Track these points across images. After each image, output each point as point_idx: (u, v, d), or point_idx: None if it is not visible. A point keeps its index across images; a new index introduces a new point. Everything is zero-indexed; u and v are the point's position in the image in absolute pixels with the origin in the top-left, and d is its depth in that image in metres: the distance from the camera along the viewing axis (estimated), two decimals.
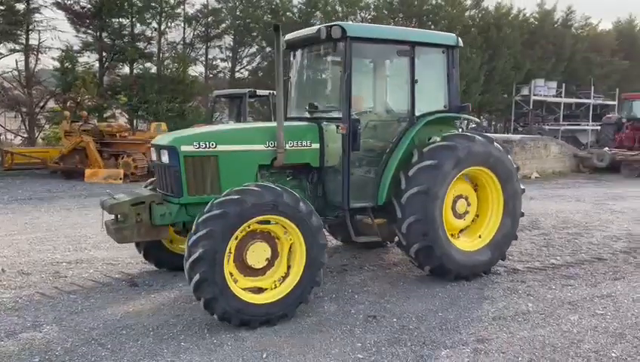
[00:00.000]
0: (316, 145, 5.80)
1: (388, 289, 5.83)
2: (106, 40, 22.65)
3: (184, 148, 5.17)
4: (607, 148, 19.66)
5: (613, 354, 4.30)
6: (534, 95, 33.27)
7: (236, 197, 4.59)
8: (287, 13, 26.49)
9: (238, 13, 25.71)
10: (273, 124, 5.73)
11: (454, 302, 5.47)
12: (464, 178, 6.23)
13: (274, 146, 5.49)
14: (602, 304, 5.44)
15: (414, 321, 4.94)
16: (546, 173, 17.89)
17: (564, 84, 35.09)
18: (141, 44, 23.46)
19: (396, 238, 6.02)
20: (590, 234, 8.65)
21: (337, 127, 5.65)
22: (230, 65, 26.93)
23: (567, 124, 34.99)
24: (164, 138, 5.60)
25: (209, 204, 4.65)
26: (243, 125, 6.13)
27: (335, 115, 5.99)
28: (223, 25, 25.80)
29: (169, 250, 6.27)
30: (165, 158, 5.26)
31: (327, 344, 4.46)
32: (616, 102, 37.96)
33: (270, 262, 4.91)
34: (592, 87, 36.51)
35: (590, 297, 5.64)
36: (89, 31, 22.32)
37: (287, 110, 6.65)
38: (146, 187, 6.14)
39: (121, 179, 15.34)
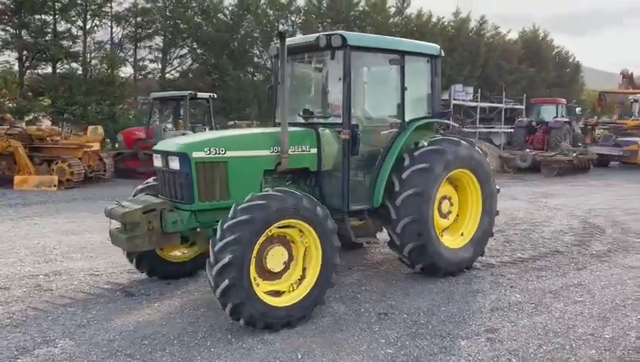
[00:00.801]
0: (314, 150, 5.96)
1: (385, 288, 6.09)
2: (26, 38, 21.26)
3: (195, 154, 5.15)
4: (528, 150, 21.22)
5: (606, 336, 4.82)
6: (454, 99, 35.14)
7: (262, 202, 4.66)
8: (219, 15, 26.16)
9: (167, 13, 25.05)
10: (275, 129, 5.81)
11: (450, 297, 5.83)
12: (447, 179, 6.64)
13: (278, 151, 5.58)
14: (578, 292, 6.02)
15: (423, 316, 5.24)
16: None
17: (479, 90, 37.31)
18: (65, 43, 22.26)
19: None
20: (540, 230, 9.42)
21: (339, 132, 5.84)
22: (160, 66, 26.15)
23: (483, 127, 37.27)
24: (171, 144, 5.53)
25: (232, 209, 4.68)
26: (247, 131, 6.14)
27: (330, 120, 6.19)
28: (154, 25, 25.03)
29: (162, 258, 6.16)
30: (175, 165, 5.20)
31: (352, 341, 4.64)
32: (523, 107, 40.95)
33: (286, 266, 5.02)
34: (504, 93, 39.17)
35: (565, 286, 6.22)
36: (8, 28, 20.86)
37: (276, 116, 6.77)
38: (137, 194, 5.99)
39: (55, 186, 14.54)
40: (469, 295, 5.90)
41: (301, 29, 29.83)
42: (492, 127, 38.23)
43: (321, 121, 6.20)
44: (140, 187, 6.15)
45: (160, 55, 25.99)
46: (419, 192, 6.00)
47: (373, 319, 5.15)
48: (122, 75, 23.15)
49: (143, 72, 26.01)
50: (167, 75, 26.09)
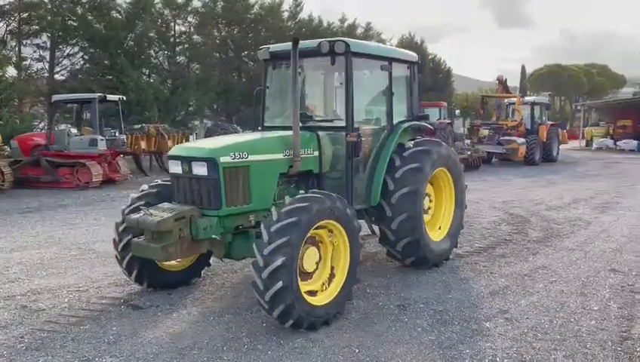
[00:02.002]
0: (316, 153, 6.12)
1: (385, 282, 6.42)
2: None
3: (223, 159, 5.10)
4: None
5: (594, 308, 5.58)
6: None
7: (305, 204, 4.77)
8: (113, 13, 24.78)
9: (55, 9, 23.20)
10: (284, 133, 5.88)
11: (448, 286, 6.32)
12: None
13: (290, 155, 5.68)
14: (547, 273, 6.82)
15: (437, 305, 5.65)
16: None
17: None
18: None
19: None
20: (477, 222, 10.34)
21: (346, 135, 6.06)
22: (48, 66, 24.10)
23: None
24: (194, 149, 5.40)
25: (274, 213, 4.73)
26: (258, 135, 6.05)
27: (325, 123, 6.42)
28: (41, 21, 23.01)
29: (161, 268, 5.96)
30: (201, 170, 5.10)
31: (393, 332, 4.92)
32: None
33: (317, 266, 5.16)
34: None
35: (534, 269, 7.00)
36: None
37: (264, 119, 6.83)
38: (134, 202, 5.74)
39: None
40: (462, 283, 6.43)
41: (197, 29, 29.27)
42: None
43: (323, 124, 6.37)
44: (136, 195, 5.88)
45: (46, 54, 23.97)
46: (413, 190, 6.42)
47: (396, 311, 5.47)
48: (7, 75, 21.02)
49: (28, 72, 23.79)
50: (57, 76, 24.15)
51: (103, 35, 23.87)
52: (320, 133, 6.19)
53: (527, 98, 27.82)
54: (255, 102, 6.81)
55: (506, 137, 23.72)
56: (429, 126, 7.46)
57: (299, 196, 4.95)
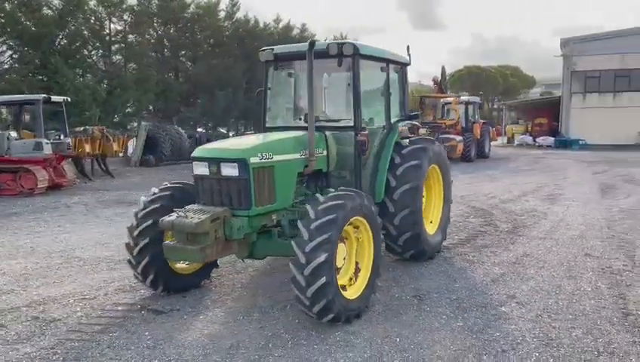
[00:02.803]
0: (325, 152, 6.28)
1: (392, 275, 6.66)
2: None
3: (252, 160, 5.15)
4: None
5: (588, 289, 6.11)
6: None
7: (340, 202, 4.92)
8: (44, 10, 23.47)
9: None
10: (299, 133, 5.99)
11: (450, 276, 6.67)
12: None
13: (305, 155, 5.81)
14: (532, 260, 7.35)
15: (449, 294, 5.97)
16: None
17: None
18: None
19: None
20: None
21: (356, 134, 6.24)
22: None
23: None
24: (222, 150, 5.39)
25: (311, 210, 4.85)
26: (277, 135, 6.05)
27: (332, 124, 6.58)
28: None
29: (175, 272, 5.91)
30: (232, 171, 5.12)
31: (422, 321, 5.17)
32: None
33: (344, 261, 5.32)
34: None
35: (519, 257, 7.51)
36: None
37: (266, 120, 6.89)
38: (147, 206, 5.66)
39: None
40: (462, 273, 6.81)
41: (132, 28, 28.33)
42: None
43: (329, 124, 6.52)
44: (148, 198, 5.79)
45: None
46: (414, 186, 6.72)
47: (415, 301, 5.73)
48: None
49: None
50: None
51: (33, 33, 22.57)
52: (327, 133, 6.36)
53: (462, 97, 29.15)
54: (256, 102, 6.86)
55: (445, 135, 24.79)
56: (418, 125, 7.79)
57: (332, 194, 5.09)
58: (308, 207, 4.95)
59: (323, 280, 4.64)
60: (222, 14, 34.28)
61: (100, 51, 26.76)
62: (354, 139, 6.29)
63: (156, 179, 19.24)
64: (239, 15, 35.54)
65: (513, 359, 4.35)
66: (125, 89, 25.50)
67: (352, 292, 5.23)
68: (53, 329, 5.05)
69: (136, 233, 5.62)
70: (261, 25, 37.24)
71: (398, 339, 4.74)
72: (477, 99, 29.52)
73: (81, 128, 19.36)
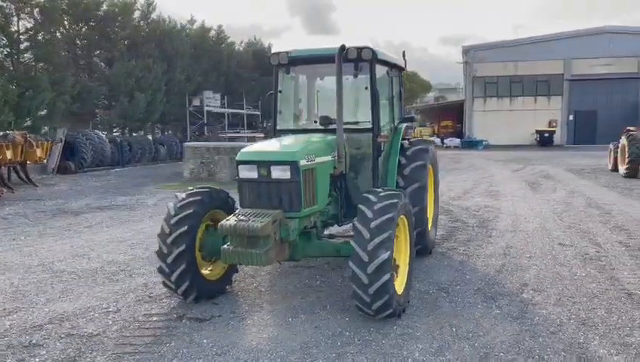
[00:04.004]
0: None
1: None
2: None
3: (302, 162, 5.20)
4: None
5: (582, 274, 6.76)
6: (206, 106, 35.91)
7: (395, 201, 5.10)
8: None
9: None
10: (327, 136, 6.08)
11: (457, 269, 7.06)
12: None
13: (335, 156, 5.93)
14: (519, 251, 7.95)
15: (468, 285, 6.34)
16: None
17: (226, 96, 38.95)
18: None
19: None
20: None
21: (376, 136, 6.44)
22: None
23: (232, 132, 39.05)
24: (270, 153, 5.35)
25: (368, 210, 4.98)
26: (309, 137, 6.01)
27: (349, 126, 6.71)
28: None
29: (205, 279, 5.79)
30: (284, 174, 5.14)
31: (464, 311, 5.46)
32: (259, 112, 44.27)
33: None
34: (244, 100, 41.73)
35: (505, 249, 8.09)
36: None
37: (277, 123, 6.90)
38: (180, 211, 5.51)
39: None
40: (465, 266, 7.23)
41: (42, 25, 26.43)
42: (238, 132, 40.38)
43: (347, 126, 6.64)
44: (179, 204, 5.61)
45: None
46: (422, 185, 7.06)
47: (444, 294, 6.04)
48: None
49: None
50: None
51: None
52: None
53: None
54: (266, 106, 6.85)
55: None
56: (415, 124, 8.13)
57: (383, 193, 5.25)
58: (363, 207, 5.08)
59: (386, 277, 4.80)
60: (137, 14, 32.96)
61: (8, 50, 24.67)
62: (372, 141, 6.50)
63: (85, 187, 18.27)
64: (154, 15, 34.42)
65: (566, 339, 4.77)
66: (38, 91, 23.74)
67: (397, 288, 5.42)
68: (99, 345, 4.76)
69: (170, 240, 5.44)
70: (178, 26, 36.32)
71: (454, 329, 5.01)
72: None
73: (0, 133, 17.81)
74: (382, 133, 6.50)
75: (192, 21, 39.90)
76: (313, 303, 5.76)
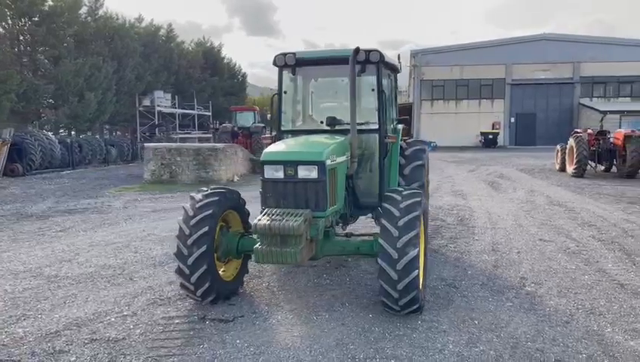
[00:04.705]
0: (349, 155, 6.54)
1: None
2: None
3: (328, 162, 5.27)
4: None
5: (572, 267, 7.18)
6: (157, 106, 35.05)
7: (418, 199, 5.26)
8: None
9: None
10: (339, 136, 6.16)
11: (456, 265, 7.29)
12: None
13: (349, 157, 6.03)
14: (506, 247, 8.31)
15: (472, 280, 6.59)
16: (241, 176, 20.35)
17: (176, 96, 38.15)
18: None
19: None
20: None
21: (385, 137, 6.58)
22: None
23: (183, 133, 38.31)
24: (297, 153, 5.37)
25: (394, 208, 5.11)
26: (325, 138, 6.01)
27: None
28: None
29: (223, 280, 5.76)
30: (312, 173, 5.19)
31: (479, 305, 5.68)
32: (210, 113, 43.70)
33: None
34: (195, 100, 41.02)
35: (492, 245, 8.43)
36: None
37: (281, 123, 6.91)
38: (199, 213, 5.45)
39: None
40: (462, 261, 7.49)
41: None
42: (189, 133, 39.67)
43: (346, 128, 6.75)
44: (197, 205, 5.54)
45: None
46: (421, 185, 7.25)
47: (452, 290, 6.24)
48: None
49: None
50: None
51: None
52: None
53: None
54: (271, 106, 6.86)
55: None
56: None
57: (406, 192, 5.40)
58: (388, 205, 5.21)
59: (415, 273, 4.94)
60: (85, 10, 31.79)
61: None
62: (378, 142, 6.63)
63: (39, 190, 17.66)
64: (101, 12, 33.31)
65: (581, 327, 5.07)
66: None
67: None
68: (129, 349, 4.65)
69: (190, 241, 5.36)
70: (127, 24, 35.30)
71: (475, 322, 5.22)
72: None
73: None
74: (390, 135, 6.65)
75: (139, 19, 38.95)
76: (330, 301, 5.83)
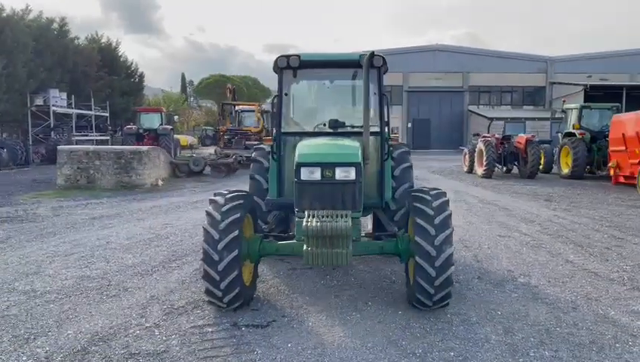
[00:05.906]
0: None
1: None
2: None
3: (361, 164, 5.34)
4: (195, 154, 22.81)
5: (556, 260, 7.85)
6: (53, 105, 32.39)
7: (446, 198, 5.49)
8: None
9: None
10: (339, 138, 6.23)
11: (458, 261, 7.64)
12: None
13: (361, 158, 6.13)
14: (484, 243, 8.87)
15: (467, 274, 6.96)
16: (164, 180, 19.49)
17: (73, 96, 35.51)
18: None
19: None
20: None
21: (386, 139, 6.73)
22: None
23: (80, 135, 35.73)
24: (333, 155, 5.36)
25: (425, 207, 5.29)
26: (342, 140, 5.97)
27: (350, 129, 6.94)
28: None
29: (247, 285, 5.62)
30: (349, 175, 5.25)
31: (481, 300, 6.06)
32: (108, 114, 41.32)
33: None
34: (92, 100, 38.52)
35: (465, 239, 8.97)
36: None
37: (283, 125, 6.83)
38: (227, 217, 5.29)
39: None
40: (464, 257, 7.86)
41: None
42: (86, 135, 37.15)
43: (355, 130, 6.85)
44: (224, 208, 5.34)
45: None
46: (411, 185, 7.54)
47: (456, 284, 6.52)
48: None
49: None
50: None
51: None
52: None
53: (263, 106, 30.40)
54: (272, 108, 6.76)
55: (252, 142, 25.64)
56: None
57: (434, 192, 5.60)
58: (420, 205, 5.39)
59: (452, 269, 5.17)
60: None
61: None
62: (379, 144, 6.79)
63: None
64: None
65: (589, 312, 5.60)
66: None
67: None
68: (179, 360, 4.39)
69: (221, 246, 5.16)
70: (15, 16, 32.32)
71: (499, 313, 5.55)
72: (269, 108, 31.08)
73: None
74: (394, 137, 6.84)
75: (27, 10, 35.79)
76: (351, 301, 5.88)
